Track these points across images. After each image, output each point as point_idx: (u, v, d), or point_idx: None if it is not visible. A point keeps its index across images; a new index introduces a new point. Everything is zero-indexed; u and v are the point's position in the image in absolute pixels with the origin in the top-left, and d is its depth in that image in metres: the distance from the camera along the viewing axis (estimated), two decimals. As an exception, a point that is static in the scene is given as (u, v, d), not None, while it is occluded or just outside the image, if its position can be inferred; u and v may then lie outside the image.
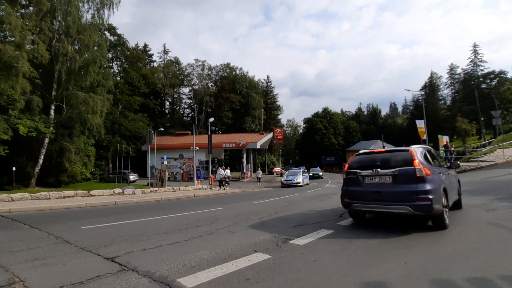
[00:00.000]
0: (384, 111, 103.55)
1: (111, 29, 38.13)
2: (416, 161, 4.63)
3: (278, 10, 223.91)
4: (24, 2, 20.63)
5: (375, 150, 5.53)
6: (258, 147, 35.79)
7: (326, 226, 5.34)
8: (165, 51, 59.87)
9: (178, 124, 51.92)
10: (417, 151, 4.93)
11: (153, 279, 2.89)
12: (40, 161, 21.78)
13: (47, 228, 5.85)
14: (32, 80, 19.45)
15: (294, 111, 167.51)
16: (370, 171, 4.95)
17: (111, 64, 40.30)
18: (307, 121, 77.74)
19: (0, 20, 17.20)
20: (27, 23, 19.22)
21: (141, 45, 55.30)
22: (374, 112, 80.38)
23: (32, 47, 18.96)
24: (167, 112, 57.91)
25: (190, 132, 36.44)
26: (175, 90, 56.07)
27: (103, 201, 10.81)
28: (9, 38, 18.25)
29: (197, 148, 24.36)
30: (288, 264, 3.31)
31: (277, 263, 3.33)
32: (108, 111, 26.57)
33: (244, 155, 35.26)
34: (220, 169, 21.25)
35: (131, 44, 47.86)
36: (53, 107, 22.36)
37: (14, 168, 18.76)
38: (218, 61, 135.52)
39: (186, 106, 60.63)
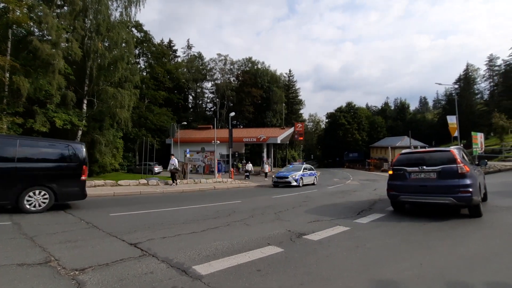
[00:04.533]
0: (413, 106, 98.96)
1: (138, 26, 39.40)
2: (458, 160, 5.40)
3: (303, 2, 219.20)
4: (59, 2, 21.88)
5: (419, 150, 6.44)
6: (279, 142, 35.69)
7: (342, 223, 5.30)
8: (189, 46, 61.00)
9: (201, 118, 52.97)
10: (456, 151, 5.64)
11: (171, 265, 3.08)
12: (74, 152, 23.27)
13: (79, 214, 6.34)
14: (67, 76, 20.73)
15: (316, 105, 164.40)
16: (416, 168, 5.73)
17: (137, 60, 41.73)
18: (329, 116, 75.94)
19: (39, 20, 18.44)
20: (62, 22, 20.40)
21: (166, 41, 56.71)
22: (402, 107, 76.81)
23: (66, 45, 20.16)
24: (190, 106, 59.19)
25: (212, 126, 37.08)
26: (198, 84, 57.08)
27: (130, 190, 11.43)
28: (47, 37, 19.48)
29: (218, 142, 24.76)
30: (300, 258, 3.36)
31: (289, 257, 3.40)
32: (135, 106, 27.75)
33: (265, 150, 35.33)
34: (173, 158, 15.80)
35: (157, 40, 49.22)
36: (85, 101, 23.71)
37: (51, 158, 20.29)
38: (241, 55, 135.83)
39: (208, 101, 61.61)
